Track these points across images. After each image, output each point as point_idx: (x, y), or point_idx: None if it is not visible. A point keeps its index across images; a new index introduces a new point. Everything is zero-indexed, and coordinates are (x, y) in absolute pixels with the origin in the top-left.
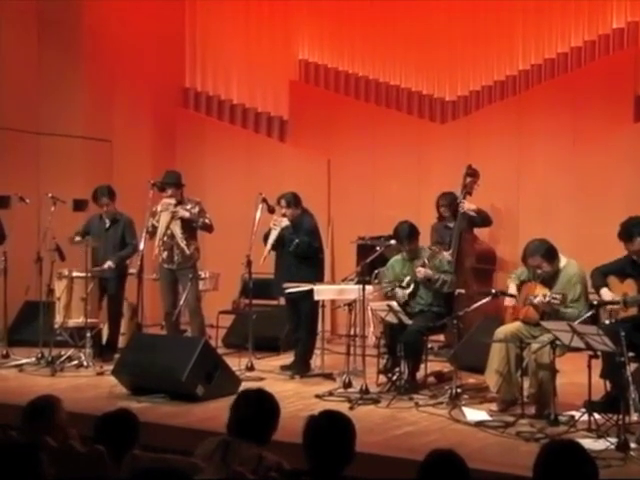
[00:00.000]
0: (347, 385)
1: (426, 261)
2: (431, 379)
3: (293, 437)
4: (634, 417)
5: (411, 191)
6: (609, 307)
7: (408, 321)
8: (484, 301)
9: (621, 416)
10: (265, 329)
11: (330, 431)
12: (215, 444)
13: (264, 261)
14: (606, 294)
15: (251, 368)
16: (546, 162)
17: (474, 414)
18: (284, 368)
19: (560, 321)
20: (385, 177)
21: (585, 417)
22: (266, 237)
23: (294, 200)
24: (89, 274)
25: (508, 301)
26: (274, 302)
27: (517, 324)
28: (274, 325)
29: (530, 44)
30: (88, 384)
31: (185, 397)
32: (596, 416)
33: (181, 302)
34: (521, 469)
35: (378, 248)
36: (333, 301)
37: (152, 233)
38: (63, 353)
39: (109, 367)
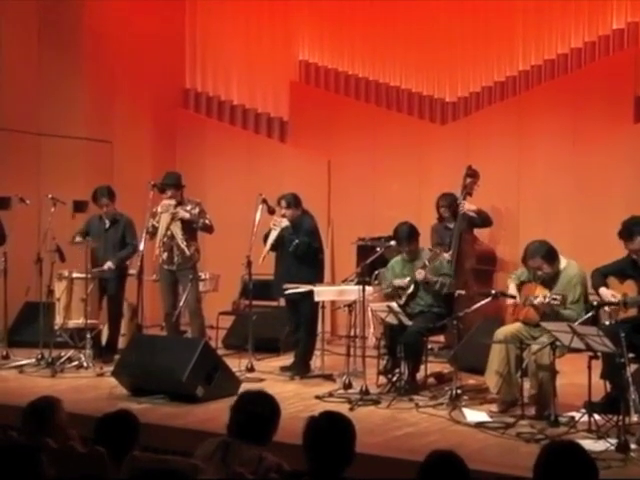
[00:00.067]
0: (347, 386)
1: (427, 262)
2: (431, 380)
3: (293, 438)
4: (634, 418)
5: (411, 192)
6: (609, 309)
7: (408, 322)
8: (484, 302)
9: (621, 417)
10: (265, 330)
11: (330, 432)
12: (215, 445)
13: (263, 261)
14: (605, 293)
15: (251, 369)
16: (546, 163)
17: (474, 415)
18: (284, 369)
19: (560, 322)
20: (385, 178)
21: (585, 418)
22: (266, 237)
23: (294, 201)
24: (89, 275)
25: (510, 301)
26: (274, 303)
27: (517, 325)
28: (274, 326)
29: (530, 45)
30: (88, 385)
31: (185, 398)
32: (596, 417)
33: (181, 303)
34: (521, 470)
35: (378, 249)
36: (333, 302)
37: (152, 234)
38: (63, 354)
39: (109, 368)
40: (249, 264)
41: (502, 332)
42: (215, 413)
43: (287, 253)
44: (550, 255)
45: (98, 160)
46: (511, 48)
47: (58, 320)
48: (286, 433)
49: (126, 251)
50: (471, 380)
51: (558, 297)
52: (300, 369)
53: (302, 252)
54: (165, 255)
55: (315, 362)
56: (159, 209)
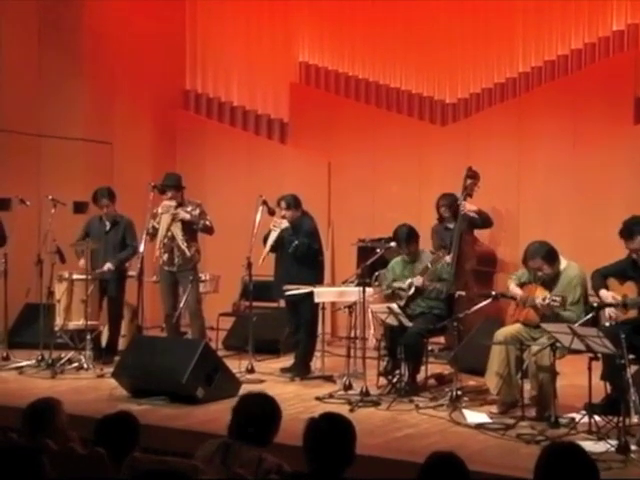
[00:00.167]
0: (347, 387)
1: (429, 265)
2: (431, 381)
3: (293, 439)
4: (634, 419)
5: (411, 193)
6: (608, 310)
7: (408, 323)
8: (484, 303)
9: (621, 418)
10: (265, 331)
11: (330, 433)
12: (215, 446)
13: (263, 262)
14: (605, 295)
15: (251, 370)
16: (546, 164)
17: (474, 416)
18: (284, 370)
19: (560, 323)
20: (385, 179)
21: (585, 419)
22: (266, 239)
23: (294, 202)
24: (89, 276)
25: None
26: (274, 304)
27: (517, 326)
28: (274, 327)
29: (530, 46)
30: (88, 386)
31: (185, 399)
32: (596, 418)
33: (181, 304)
34: (522, 471)
35: (378, 250)
36: (333, 303)
37: (153, 235)
38: (63, 355)
39: (109, 369)
40: (249, 265)
41: (502, 333)
42: (215, 414)
43: (287, 254)
44: (550, 256)
45: (98, 161)
46: (511, 49)
47: (58, 321)
48: (286, 434)
49: (126, 252)
50: (471, 381)
51: (558, 298)
52: (300, 370)
53: (302, 253)
54: (165, 256)
55: (315, 363)
56: (159, 210)
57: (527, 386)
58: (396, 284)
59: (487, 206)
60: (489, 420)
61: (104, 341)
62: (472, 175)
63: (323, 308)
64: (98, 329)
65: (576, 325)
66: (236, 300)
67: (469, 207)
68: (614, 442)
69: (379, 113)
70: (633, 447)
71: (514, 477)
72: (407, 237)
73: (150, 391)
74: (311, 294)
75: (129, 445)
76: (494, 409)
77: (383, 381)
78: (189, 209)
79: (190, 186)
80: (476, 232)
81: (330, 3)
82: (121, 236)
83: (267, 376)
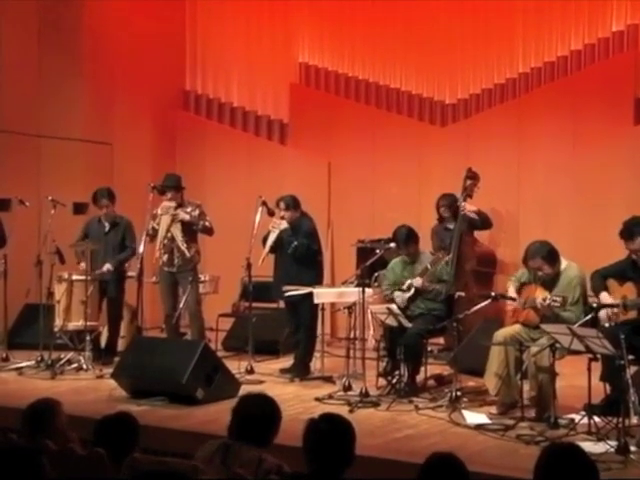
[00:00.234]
0: (347, 388)
1: (429, 266)
2: (431, 382)
3: (293, 440)
4: (634, 420)
5: (411, 194)
6: (609, 311)
7: (408, 324)
8: (484, 304)
9: (621, 419)
10: (265, 332)
11: (330, 434)
12: (215, 447)
13: (262, 263)
14: (605, 299)
15: (251, 371)
16: (546, 165)
17: (474, 417)
18: (284, 371)
19: (559, 324)
20: (385, 180)
21: (585, 420)
22: (265, 239)
23: (293, 203)
24: (89, 277)
25: (510, 305)
26: (274, 305)
27: (517, 327)
28: (274, 328)
29: (530, 47)
30: (88, 387)
31: (185, 400)
32: (596, 419)
33: (181, 305)
34: (521, 472)
35: (378, 251)
36: (333, 304)
37: (152, 236)
38: (63, 356)
39: (109, 370)
40: (249, 266)
41: (501, 334)
42: (215, 415)
43: (286, 255)
44: (551, 256)
45: (98, 162)
46: (511, 50)
47: (58, 322)
48: (286, 435)
49: (125, 254)
50: (471, 382)
51: (558, 299)
52: (300, 371)
53: (301, 254)
54: (165, 257)
55: (315, 364)
56: (159, 211)
57: (526, 387)
58: (396, 295)
59: (487, 207)
60: (488, 421)
61: (103, 342)
62: (472, 176)
63: (322, 309)
64: (98, 330)
65: (575, 326)
66: (236, 301)
67: (469, 208)
68: (614, 443)
69: (379, 114)
70: (633, 448)
71: (514, 478)
72: (406, 238)
73: (150, 392)
74: (310, 295)
75: (129, 446)
76: (493, 410)
77: (383, 382)
78: (189, 210)
79: (190, 187)
80: (476, 233)
81: (330, 4)
82: (121, 237)
83: (267, 377)
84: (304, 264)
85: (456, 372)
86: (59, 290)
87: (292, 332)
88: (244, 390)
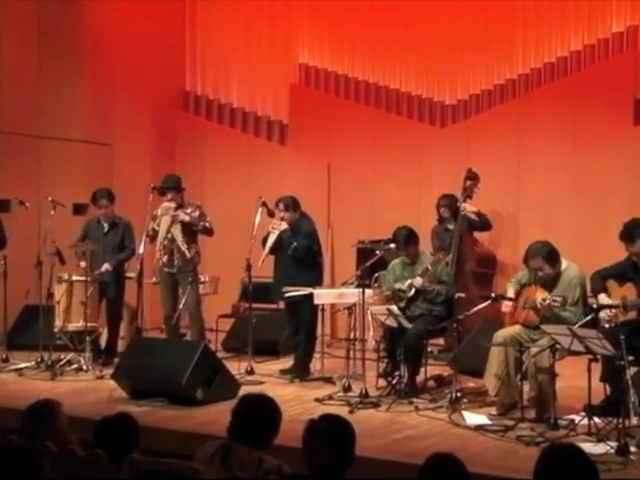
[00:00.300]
0: (347, 389)
1: (429, 267)
2: (431, 383)
3: (293, 441)
4: (634, 421)
5: (411, 195)
6: (608, 314)
7: (408, 325)
8: (484, 305)
9: (621, 420)
10: (265, 333)
11: (330, 435)
12: (215, 448)
13: (262, 264)
14: (603, 300)
15: (251, 372)
16: (546, 166)
17: (474, 418)
18: (284, 372)
19: (559, 325)
20: (385, 181)
21: (585, 421)
22: (264, 240)
23: (292, 203)
24: (89, 278)
25: (505, 306)
26: (274, 306)
27: (516, 328)
28: (274, 329)
29: (530, 48)
30: (88, 388)
31: (185, 401)
32: (596, 420)
33: (181, 306)
34: (521, 473)
35: (378, 252)
36: (333, 305)
37: (152, 237)
38: (63, 357)
39: (109, 371)
40: (249, 267)
41: (501, 335)
42: (215, 416)
43: (286, 256)
44: (551, 256)
45: (98, 163)
46: (511, 51)
47: (58, 323)
48: (286, 436)
49: (124, 254)
50: (471, 383)
51: (558, 298)
52: (300, 372)
53: (301, 255)
54: (165, 258)
55: (315, 365)
56: (159, 212)
57: (526, 387)
58: (397, 285)
59: (487, 207)
60: (488, 422)
61: (103, 343)
62: (472, 176)
63: (322, 310)
64: (97, 331)
65: (576, 326)
66: (235, 302)
67: (469, 208)
68: (614, 444)
69: (379, 114)
70: (633, 449)
71: (514, 479)
72: (406, 239)
73: (149, 393)
74: (310, 296)
75: (128, 447)
76: (493, 411)
77: (383, 383)
78: (189, 211)
79: (190, 188)
80: (475, 234)
81: (330, 5)
82: (120, 238)
83: (266, 377)
84: (304, 265)
85: (456, 373)
86: (59, 291)
87: (292, 334)
88: (244, 391)
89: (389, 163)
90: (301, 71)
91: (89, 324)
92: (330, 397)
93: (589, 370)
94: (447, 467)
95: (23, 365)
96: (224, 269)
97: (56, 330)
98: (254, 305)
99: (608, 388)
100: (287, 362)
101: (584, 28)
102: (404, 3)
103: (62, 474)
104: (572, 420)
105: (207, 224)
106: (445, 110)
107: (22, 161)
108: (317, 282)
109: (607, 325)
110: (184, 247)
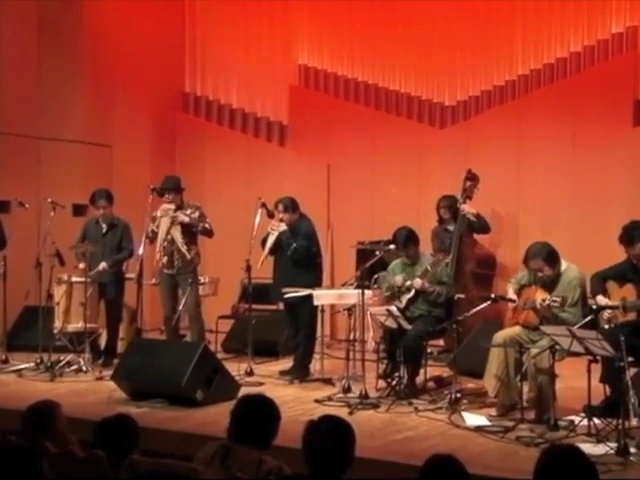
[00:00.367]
0: (346, 390)
1: (429, 267)
2: (431, 384)
3: (293, 442)
4: (634, 422)
5: (411, 195)
6: (607, 313)
7: (407, 326)
8: (484, 306)
9: (621, 421)
10: (264, 334)
11: (330, 436)
12: (215, 449)
13: (261, 265)
14: (601, 301)
15: (250, 373)
16: (546, 167)
17: (473, 419)
18: (283, 373)
19: (559, 325)
20: (385, 181)
21: (585, 422)
22: (264, 242)
23: (291, 205)
24: (88, 279)
25: (510, 305)
26: (273, 307)
27: (516, 329)
28: (273, 330)
29: (529, 49)
30: (87, 389)
31: (184, 402)
32: (596, 421)
33: (181, 307)
34: (521, 474)
35: (377, 253)
36: (332, 306)
37: (152, 238)
38: (62, 358)
39: (108, 372)
40: (248, 268)
41: (501, 336)
42: (215, 417)
43: (285, 257)
44: (551, 257)
45: (97, 164)
46: (510, 52)
47: (57, 324)
48: (286, 437)
49: (121, 254)
50: (470, 384)
51: (558, 299)
52: (299, 373)
53: (300, 256)
54: (165, 259)
55: (314, 366)
56: (159, 213)
57: (526, 388)
58: (397, 279)
59: (486, 208)
60: (488, 423)
61: (103, 344)
62: (471, 178)
63: (322, 311)
64: (97, 332)
65: (575, 327)
66: (235, 303)
67: (469, 209)
68: (613, 445)
69: (378, 115)
70: (632, 450)
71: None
72: (406, 240)
73: (149, 394)
74: (310, 297)
75: (128, 448)
76: (493, 412)
77: (382, 384)
78: (188, 212)
79: (189, 189)
80: (475, 235)
81: (329, 5)
82: (118, 239)
83: (266, 379)
84: (303, 266)
85: (456, 374)
86: (58, 292)
87: (291, 335)
88: (244, 392)
89: (389, 164)
90: (301, 72)
91: (89, 325)
92: (330, 398)
93: (589, 371)
94: (447, 468)
95: (23, 366)
96: (224, 270)
97: (56, 331)
98: (254, 306)
99: (608, 389)
100: (287, 363)
101: (584, 29)
102: (404, 4)
103: (62, 475)
104: (572, 421)
105: (207, 225)
106: (445, 111)
107: (22, 162)
108: (316, 283)
109: (607, 326)
110: (184, 248)
